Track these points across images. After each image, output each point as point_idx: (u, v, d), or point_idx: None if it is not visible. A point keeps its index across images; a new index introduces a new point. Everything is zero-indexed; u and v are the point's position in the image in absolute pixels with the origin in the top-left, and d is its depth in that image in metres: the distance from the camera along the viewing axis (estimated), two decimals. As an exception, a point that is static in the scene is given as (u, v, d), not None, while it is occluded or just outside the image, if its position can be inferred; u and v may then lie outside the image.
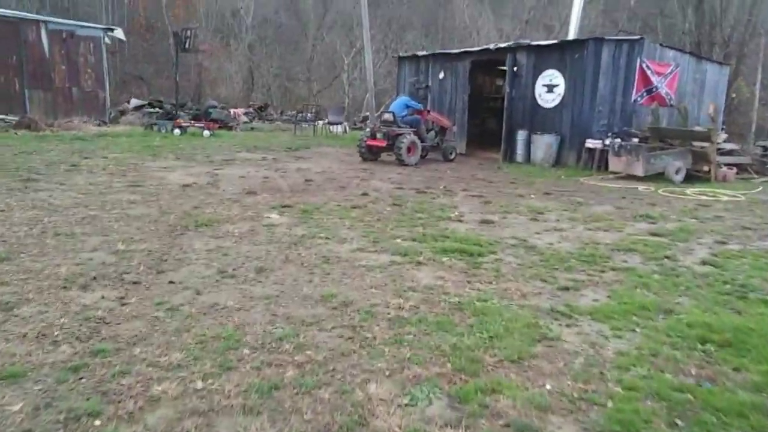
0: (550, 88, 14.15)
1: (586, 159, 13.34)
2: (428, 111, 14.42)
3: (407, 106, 13.61)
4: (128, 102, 24.66)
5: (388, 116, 13.27)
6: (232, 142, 16.47)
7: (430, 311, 4.04)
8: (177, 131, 17.14)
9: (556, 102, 14.06)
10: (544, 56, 14.29)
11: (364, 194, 8.60)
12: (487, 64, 17.59)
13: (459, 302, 4.22)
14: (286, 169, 11.17)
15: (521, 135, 14.48)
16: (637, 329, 3.90)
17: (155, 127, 17.73)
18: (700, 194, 10.16)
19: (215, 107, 21.47)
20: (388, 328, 3.72)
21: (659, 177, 11.76)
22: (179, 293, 4.18)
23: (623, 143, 12.06)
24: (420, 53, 17.94)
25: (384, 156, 13.68)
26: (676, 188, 10.73)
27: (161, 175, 9.68)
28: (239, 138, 17.99)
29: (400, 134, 12.81)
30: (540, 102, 14.42)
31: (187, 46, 21.14)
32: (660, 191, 10.31)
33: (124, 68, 34.48)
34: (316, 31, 39.01)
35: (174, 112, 19.16)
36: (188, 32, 20.93)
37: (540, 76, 14.36)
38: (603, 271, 5.20)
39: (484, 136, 18.25)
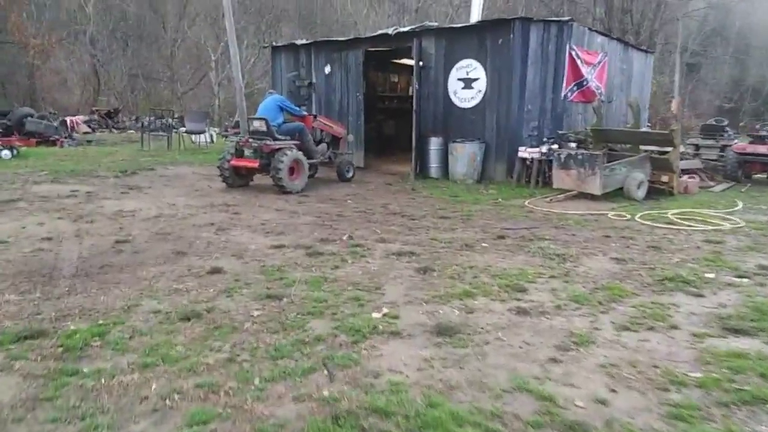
0: (468, 82, 11.18)
1: (519, 172, 10.50)
2: (314, 116, 10.85)
3: (282, 109, 9.95)
4: None
5: (259, 124, 9.54)
6: (42, 164, 11.81)
7: None
8: (-41, 152, 12.17)
9: (477, 100, 11.11)
10: (459, 42, 11.28)
11: (215, 270, 4.90)
12: (381, 56, 14.37)
13: None
14: (96, 216, 7.11)
15: (435, 143, 11.39)
16: None
17: (-72, 148, 12.56)
18: (687, 219, 7.58)
19: (31, 116, 16.32)
20: None
21: (616, 193, 9.18)
22: None
23: (572, 152, 9.33)
24: (299, 42, 14.32)
25: (258, 176, 9.98)
26: (652, 211, 8.10)
27: None
28: (58, 158, 13.27)
29: (278, 150, 9.16)
30: (456, 101, 11.40)
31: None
32: (638, 218, 7.59)
33: None
34: (177, 23, 33.88)
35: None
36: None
37: (454, 68, 11.33)
38: None
39: (382, 144, 15.07)
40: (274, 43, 15.29)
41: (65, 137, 17.06)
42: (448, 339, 3.58)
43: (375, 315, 3.96)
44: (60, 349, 3.28)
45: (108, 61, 32.54)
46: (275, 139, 9.33)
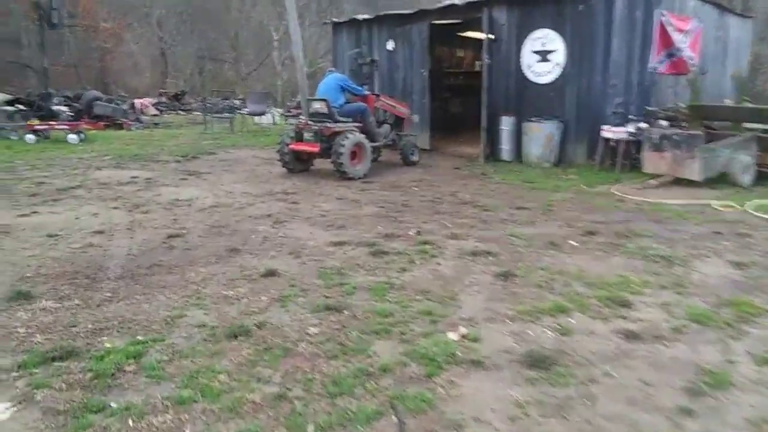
0: (544, 55, 10.19)
1: (602, 154, 9.51)
2: (377, 95, 10.22)
3: (343, 89, 9.35)
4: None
5: (319, 106, 9.02)
6: (107, 149, 11.84)
7: None
8: (31, 137, 12.35)
9: (554, 75, 10.13)
10: (533, 11, 10.29)
11: (270, 273, 4.40)
12: (446, 29, 13.51)
13: None
14: (152, 205, 6.82)
15: (507, 123, 10.52)
16: None
17: (1, 133, 12.86)
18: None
19: (99, 99, 16.57)
20: None
21: (717, 179, 8.06)
22: None
23: (667, 132, 8.27)
24: (360, 17, 13.67)
25: (319, 160, 9.49)
26: (764, 200, 7.00)
27: None
28: (124, 141, 13.32)
29: (339, 133, 8.62)
30: (530, 76, 10.45)
31: (54, 20, 16.24)
32: (750, 209, 6.55)
33: (5, 56, 28.46)
34: (241, 3, 33.91)
35: (34, 109, 14.22)
36: (54, 2, 15.99)
37: (528, 39, 10.37)
38: None
39: (448, 124, 14.26)
40: (334, 20, 14.69)
41: (132, 120, 17.24)
42: (543, 373, 2.91)
43: (451, 336, 3.33)
44: (89, 375, 2.85)
45: (175, 44, 33.02)
46: (336, 122, 8.78)
